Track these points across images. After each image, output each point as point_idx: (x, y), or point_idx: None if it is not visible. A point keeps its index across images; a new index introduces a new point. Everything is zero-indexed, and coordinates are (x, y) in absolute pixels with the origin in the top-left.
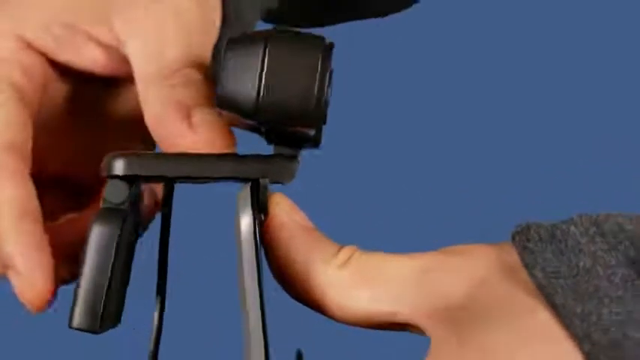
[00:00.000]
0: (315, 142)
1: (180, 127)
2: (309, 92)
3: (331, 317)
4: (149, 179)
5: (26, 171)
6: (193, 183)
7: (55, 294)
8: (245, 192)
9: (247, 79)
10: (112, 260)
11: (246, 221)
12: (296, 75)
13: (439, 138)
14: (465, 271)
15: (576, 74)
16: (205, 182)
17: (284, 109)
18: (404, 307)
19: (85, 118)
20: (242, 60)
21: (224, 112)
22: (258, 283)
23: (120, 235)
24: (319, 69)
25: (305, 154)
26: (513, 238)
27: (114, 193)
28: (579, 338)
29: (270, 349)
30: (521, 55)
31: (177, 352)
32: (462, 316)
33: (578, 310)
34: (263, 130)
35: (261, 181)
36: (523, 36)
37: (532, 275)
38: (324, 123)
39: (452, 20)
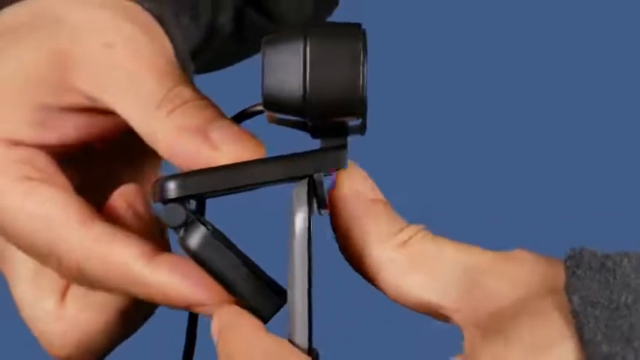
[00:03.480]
0: (361, 130)
1: (203, 151)
2: (355, 81)
3: (385, 294)
4: (204, 195)
5: (124, 233)
6: (249, 191)
7: None
8: (301, 188)
9: (291, 76)
10: (227, 250)
11: (301, 218)
12: (340, 65)
13: (447, 136)
14: (513, 280)
15: (577, 75)
16: (259, 188)
17: (332, 101)
18: (449, 302)
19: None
20: (283, 58)
21: (268, 112)
22: (308, 281)
23: (211, 232)
24: (361, 56)
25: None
26: (565, 262)
27: (172, 217)
28: None
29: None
30: (524, 55)
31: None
32: (497, 323)
33: (604, 349)
34: (309, 124)
35: (316, 176)
36: (521, 36)
37: (569, 300)
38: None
39: (451, 18)
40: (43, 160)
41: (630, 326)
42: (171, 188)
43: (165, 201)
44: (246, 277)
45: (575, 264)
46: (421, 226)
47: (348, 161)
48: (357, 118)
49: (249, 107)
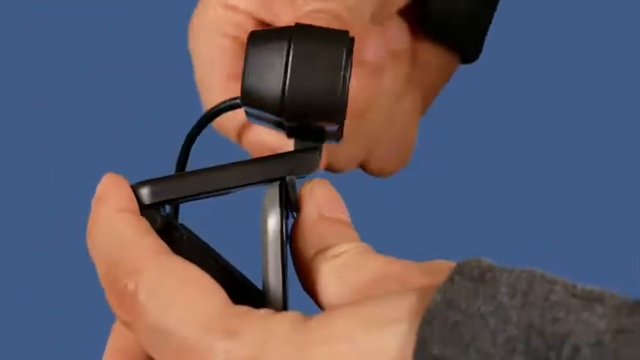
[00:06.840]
0: (336, 136)
1: None
2: (334, 87)
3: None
4: (177, 201)
5: None
6: (223, 194)
7: None
8: (273, 191)
9: (272, 75)
10: (202, 254)
11: (273, 221)
12: (321, 70)
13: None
14: (407, 285)
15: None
16: (232, 192)
17: (310, 104)
18: None
19: None
20: (266, 56)
21: (245, 108)
22: (283, 284)
23: (187, 237)
24: (344, 63)
25: None
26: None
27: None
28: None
29: None
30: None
31: None
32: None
33: (434, 351)
34: (286, 125)
35: (287, 179)
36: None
37: (433, 298)
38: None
39: None
40: (248, 24)
41: (472, 335)
42: (146, 194)
43: (140, 207)
44: (222, 281)
45: (459, 272)
46: (364, 244)
47: (317, 179)
48: (334, 124)
49: (228, 100)
